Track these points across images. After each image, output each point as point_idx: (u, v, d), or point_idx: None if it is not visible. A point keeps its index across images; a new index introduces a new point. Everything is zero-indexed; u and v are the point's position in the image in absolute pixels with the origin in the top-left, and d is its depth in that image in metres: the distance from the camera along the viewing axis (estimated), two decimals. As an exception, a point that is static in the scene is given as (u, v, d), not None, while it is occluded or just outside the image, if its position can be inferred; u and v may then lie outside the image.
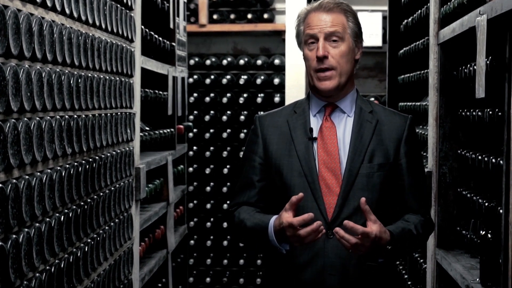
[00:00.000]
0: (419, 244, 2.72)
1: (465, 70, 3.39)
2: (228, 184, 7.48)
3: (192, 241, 7.50)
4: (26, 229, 2.34)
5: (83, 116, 2.95)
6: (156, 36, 4.99)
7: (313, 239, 2.44)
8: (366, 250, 2.43)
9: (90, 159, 3.05)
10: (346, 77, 2.61)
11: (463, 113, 3.51)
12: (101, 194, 3.23)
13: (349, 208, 2.55)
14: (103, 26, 3.26)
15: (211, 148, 7.50)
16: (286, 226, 2.45)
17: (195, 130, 7.45)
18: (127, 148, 3.73)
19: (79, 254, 2.88)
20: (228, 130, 7.46)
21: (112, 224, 3.43)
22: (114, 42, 3.44)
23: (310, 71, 2.62)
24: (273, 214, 2.60)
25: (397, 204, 2.65)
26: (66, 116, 2.73)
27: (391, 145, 2.63)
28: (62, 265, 2.67)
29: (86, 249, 2.99)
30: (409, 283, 4.61)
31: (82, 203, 2.93)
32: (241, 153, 7.27)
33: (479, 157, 3.14)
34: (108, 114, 3.34)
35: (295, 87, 7.30)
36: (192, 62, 7.51)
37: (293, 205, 2.46)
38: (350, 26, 2.62)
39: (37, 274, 2.45)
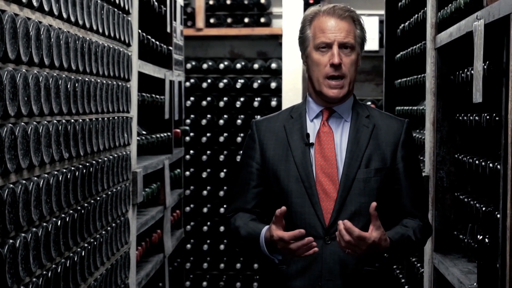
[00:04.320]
0: (416, 249, 2.72)
1: (462, 75, 3.39)
2: (225, 188, 7.47)
3: (188, 245, 7.49)
4: (23, 234, 2.33)
5: (80, 120, 2.95)
6: (153, 40, 4.99)
7: (304, 252, 2.44)
8: (362, 252, 2.43)
9: (87, 164, 3.05)
10: (352, 85, 2.63)
11: (460, 118, 3.51)
12: (98, 198, 3.23)
13: (346, 213, 2.55)
14: (100, 31, 3.26)
15: (208, 152, 7.50)
16: (277, 240, 2.46)
17: (192, 134, 7.45)
18: (124, 152, 3.73)
19: (76, 259, 2.87)
20: (225, 134, 7.46)
21: (109, 228, 3.43)
22: (111, 46, 3.43)
23: (318, 76, 2.59)
24: (269, 221, 2.61)
25: (395, 209, 2.65)
26: (63, 121, 2.72)
27: (388, 150, 2.63)
28: (59, 270, 2.67)
29: (83, 254, 2.98)
30: (406, 287, 4.61)
31: (79, 208, 2.93)
32: (238, 157, 7.28)
33: (476, 162, 3.14)
34: (105, 118, 3.34)
35: (292, 91, 7.30)
36: (189, 66, 7.51)
37: (279, 218, 2.46)
38: (358, 35, 2.63)
39: (34, 279, 2.44)
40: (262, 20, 7.47)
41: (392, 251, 2.50)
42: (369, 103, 7.17)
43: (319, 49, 2.59)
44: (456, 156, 3.64)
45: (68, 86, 2.77)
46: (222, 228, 7.47)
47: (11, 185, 2.24)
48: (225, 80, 7.49)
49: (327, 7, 2.62)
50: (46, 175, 2.54)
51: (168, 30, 5.53)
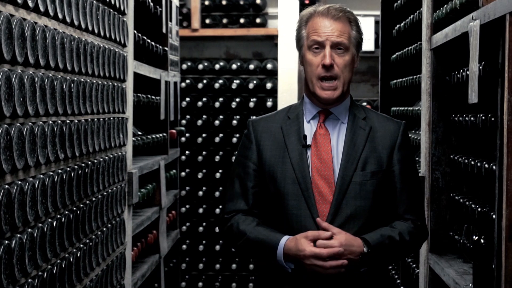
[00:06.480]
0: (405, 251, 2.70)
1: (458, 75, 3.39)
2: (221, 188, 7.47)
3: (184, 246, 7.49)
4: (18, 235, 2.33)
5: (76, 121, 2.94)
6: (149, 40, 4.99)
7: (333, 272, 2.47)
8: (345, 260, 2.46)
9: (83, 164, 3.04)
10: (347, 86, 2.61)
11: (456, 118, 3.51)
12: (94, 199, 3.22)
13: (342, 216, 2.55)
14: (96, 31, 3.26)
15: (204, 152, 7.50)
16: (309, 256, 2.46)
17: (187, 134, 7.44)
18: (120, 153, 3.72)
19: (71, 260, 2.87)
20: (221, 135, 7.46)
21: (104, 229, 3.43)
22: (106, 47, 3.43)
23: (311, 77, 2.59)
24: (269, 222, 2.61)
25: (391, 211, 2.65)
26: (59, 121, 2.72)
27: (384, 152, 2.62)
28: (54, 271, 2.66)
29: (79, 254, 2.98)
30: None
31: (74, 208, 2.92)
32: (234, 157, 7.28)
33: (472, 162, 3.14)
34: (101, 119, 3.34)
35: (287, 91, 7.30)
36: (184, 66, 7.50)
37: (316, 238, 2.48)
38: (353, 36, 2.61)
39: (30, 280, 2.44)
40: (258, 20, 7.47)
41: (373, 249, 2.50)
42: (364, 103, 7.17)
43: (312, 49, 2.59)
44: (451, 156, 3.64)
45: (64, 87, 2.77)
46: (217, 229, 7.46)
47: (6, 186, 2.24)
48: (220, 81, 7.49)
49: (322, 7, 2.62)
50: (41, 176, 2.53)
51: (164, 30, 5.52)
